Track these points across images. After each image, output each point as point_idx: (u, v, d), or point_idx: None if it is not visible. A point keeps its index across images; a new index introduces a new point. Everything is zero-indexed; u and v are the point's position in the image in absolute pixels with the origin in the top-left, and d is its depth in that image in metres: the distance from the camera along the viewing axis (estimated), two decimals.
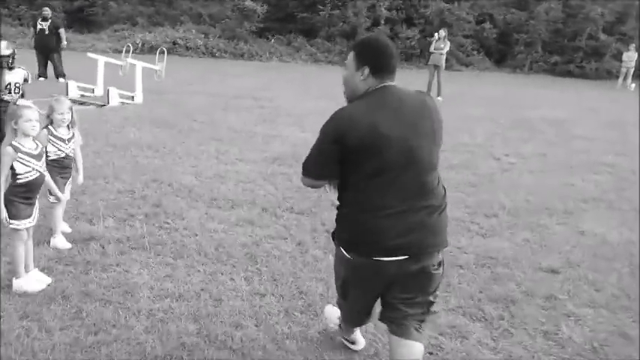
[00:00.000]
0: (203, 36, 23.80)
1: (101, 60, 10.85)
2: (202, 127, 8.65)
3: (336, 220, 2.40)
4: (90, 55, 10.94)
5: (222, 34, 24.34)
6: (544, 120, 11.41)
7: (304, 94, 13.40)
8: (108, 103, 9.83)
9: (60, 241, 3.96)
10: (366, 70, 2.29)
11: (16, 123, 3.20)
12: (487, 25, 25.92)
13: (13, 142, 3.20)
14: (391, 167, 2.21)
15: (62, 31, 13.03)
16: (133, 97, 10.28)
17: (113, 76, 11.05)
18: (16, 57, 5.79)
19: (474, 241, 4.61)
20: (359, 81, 2.32)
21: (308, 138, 7.28)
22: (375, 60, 2.30)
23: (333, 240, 2.44)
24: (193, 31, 23.93)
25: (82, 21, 24.69)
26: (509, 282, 3.86)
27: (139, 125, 8.37)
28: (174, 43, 22.55)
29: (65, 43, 13.16)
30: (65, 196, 3.97)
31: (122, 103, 10.07)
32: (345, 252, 2.35)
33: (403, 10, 25.89)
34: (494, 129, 10.10)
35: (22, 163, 3.21)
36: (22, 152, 3.22)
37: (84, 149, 6.83)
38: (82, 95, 10.60)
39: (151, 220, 4.63)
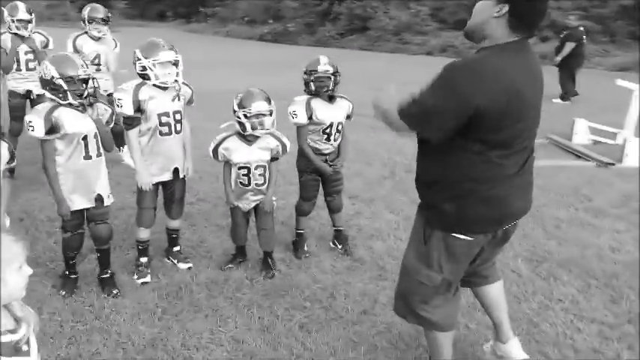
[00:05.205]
0: None
1: (637, 91, 7.15)
2: None
3: (447, 199, 2.11)
4: (620, 82, 7.35)
5: None
6: None
7: None
8: (621, 161, 6.30)
9: None
10: (505, 9, 1.96)
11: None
12: None
13: None
14: (522, 135, 2.06)
15: (568, 44, 11.28)
16: None
17: None
18: None
19: None
20: (490, 16, 2.00)
21: None
22: (522, 6, 1.95)
23: (434, 228, 2.18)
24: None
25: None
26: None
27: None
28: None
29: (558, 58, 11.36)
30: None
31: None
32: (464, 236, 2.14)
33: None
34: None
35: None
36: None
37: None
38: (594, 142, 7.35)
39: None
